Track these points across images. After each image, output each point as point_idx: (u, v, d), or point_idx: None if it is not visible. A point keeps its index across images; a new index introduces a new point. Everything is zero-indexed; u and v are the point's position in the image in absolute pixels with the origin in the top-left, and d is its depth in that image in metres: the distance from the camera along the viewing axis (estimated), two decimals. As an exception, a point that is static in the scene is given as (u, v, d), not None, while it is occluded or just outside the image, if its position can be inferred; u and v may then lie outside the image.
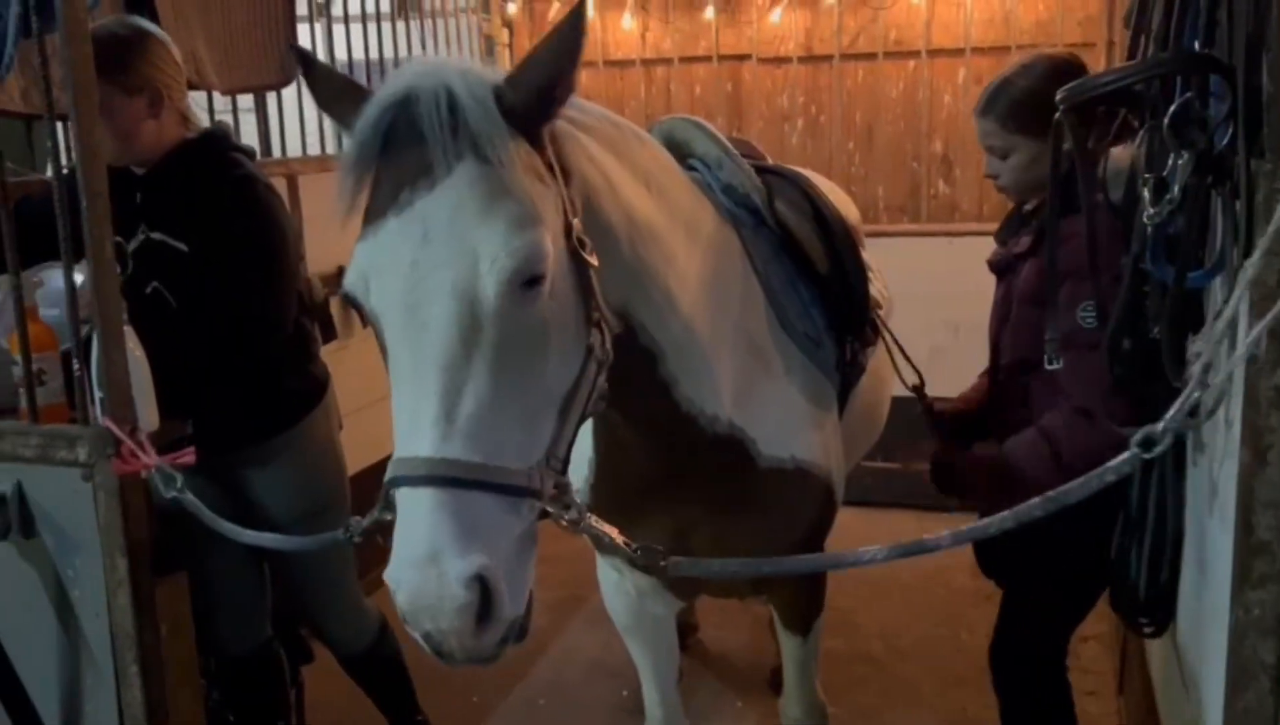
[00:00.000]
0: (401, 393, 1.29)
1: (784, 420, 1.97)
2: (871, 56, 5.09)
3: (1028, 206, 2.23)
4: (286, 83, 3.73)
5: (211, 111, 3.54)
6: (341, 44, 4.43)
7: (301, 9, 3.87)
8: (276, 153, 4.05)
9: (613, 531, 1.45)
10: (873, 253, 2.60)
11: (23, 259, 2.02)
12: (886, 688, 3.38)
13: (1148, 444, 1.22)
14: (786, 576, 2.18)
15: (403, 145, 1.30)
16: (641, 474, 1.90)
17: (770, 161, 2.53)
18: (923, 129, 5.06)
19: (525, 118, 1.35)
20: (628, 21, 5.34)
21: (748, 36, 5.26)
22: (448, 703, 3.12)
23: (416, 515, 1.21)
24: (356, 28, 4.43)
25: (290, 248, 2.43)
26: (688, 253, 1.76)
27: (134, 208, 2.35)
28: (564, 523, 1.37)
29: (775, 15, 5.16)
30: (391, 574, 1.22)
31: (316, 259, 2.68)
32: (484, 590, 1.20)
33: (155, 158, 2.37)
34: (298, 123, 4.13)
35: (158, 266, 2.35)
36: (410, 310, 1.27)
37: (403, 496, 1.24)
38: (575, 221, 1.40)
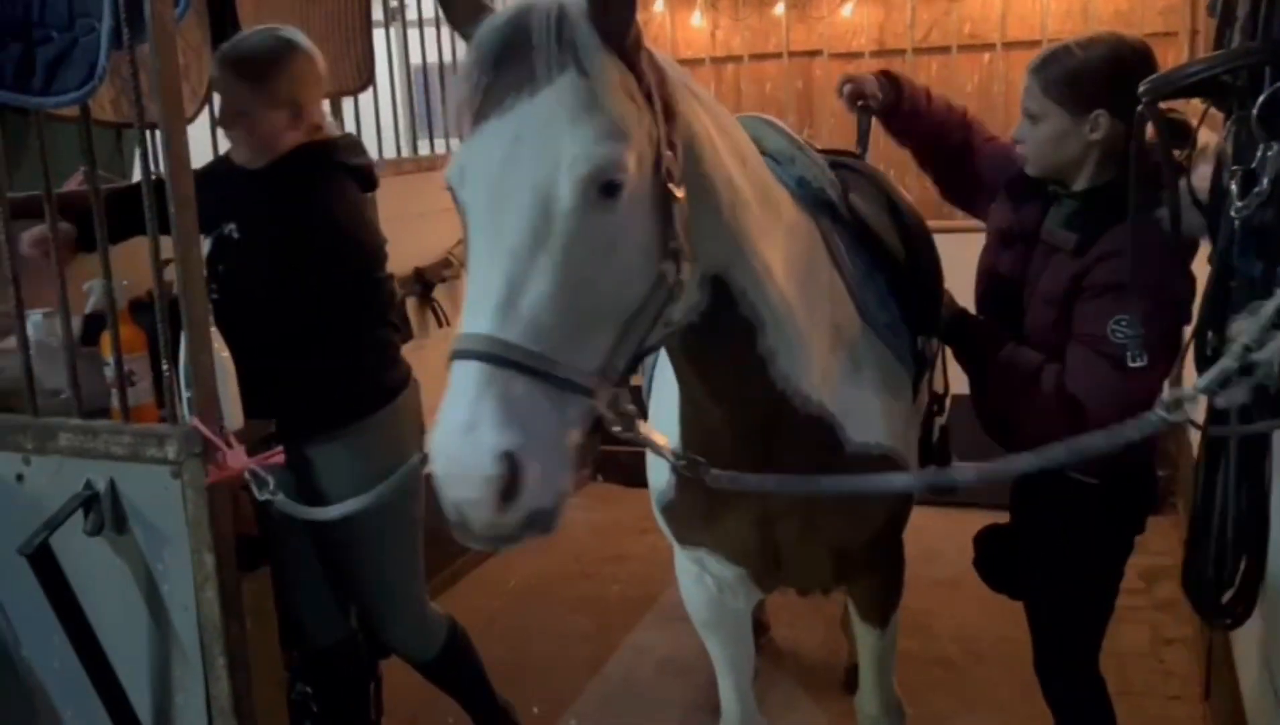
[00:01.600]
0: (474, 279, 1.34)
1: (869, 408, 1.96)
2: (945, 50, 5.02)
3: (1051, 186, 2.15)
4: (364, 88, 3.80)
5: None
6: (415, 48, 4.51)
7: (375, 14, 3.94)
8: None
9: (661, 439, 1.52)
10: (942, 248, 2.57)
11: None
12: (963, 691, 3.34)
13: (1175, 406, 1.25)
14: (869, 560, 2.18)
15: (514, 57, 1.37)
16: (731, 462, 1.89)
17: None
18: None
19: (618, 40, 1.40)
20: (698, 19, 5.35)
21: (819, 32, 5.22)
22: (518, 703, 3.14)
23: (465, 387, 1.26)
24: (430, 32, 4.50)
25: (328, 260, 2.39)
26: (774, 232, 1.77)
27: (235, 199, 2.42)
28: (616, 429, 1.41)
29: (847, 10, 5.12)
30: (433, 439, 1.26)
31: (393, 261, 2.72)
32: (513, 469, 1.23)
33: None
34: (374, 127, 4.20)
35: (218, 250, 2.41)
36: (492, 201, 1.34)
37: (457, 368, 1.28)
38: (667, 154, 1.44)
